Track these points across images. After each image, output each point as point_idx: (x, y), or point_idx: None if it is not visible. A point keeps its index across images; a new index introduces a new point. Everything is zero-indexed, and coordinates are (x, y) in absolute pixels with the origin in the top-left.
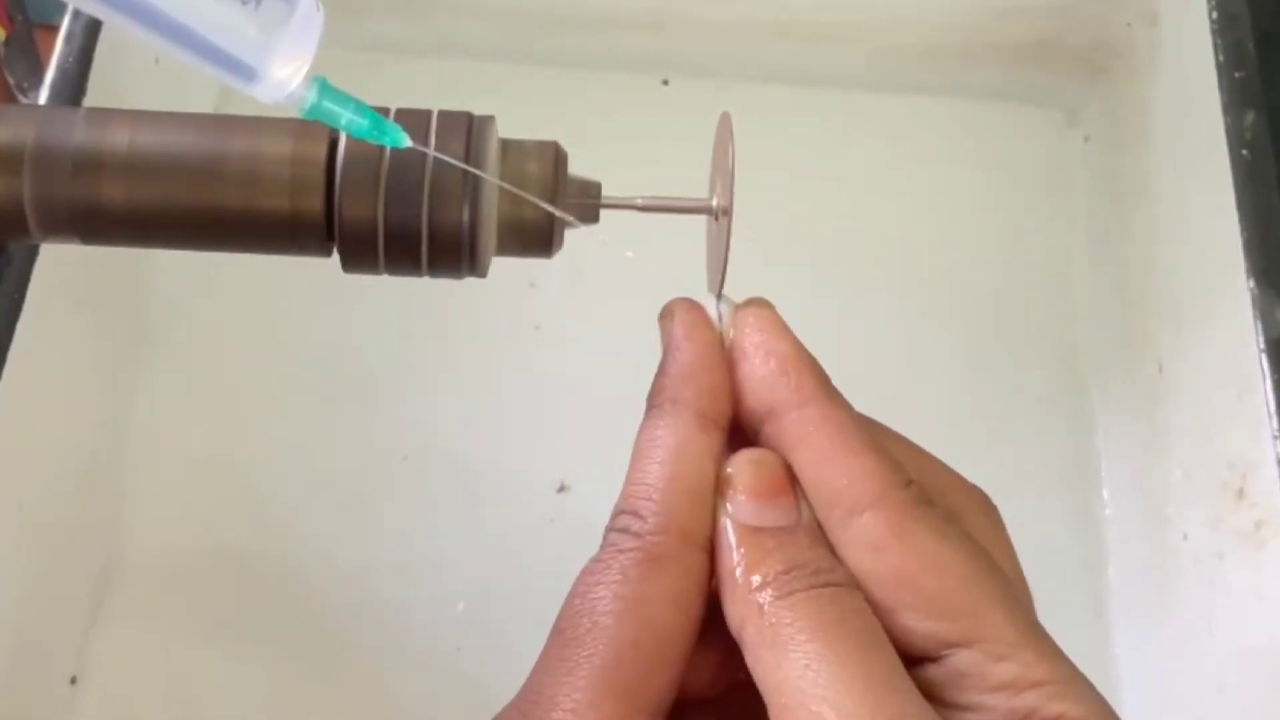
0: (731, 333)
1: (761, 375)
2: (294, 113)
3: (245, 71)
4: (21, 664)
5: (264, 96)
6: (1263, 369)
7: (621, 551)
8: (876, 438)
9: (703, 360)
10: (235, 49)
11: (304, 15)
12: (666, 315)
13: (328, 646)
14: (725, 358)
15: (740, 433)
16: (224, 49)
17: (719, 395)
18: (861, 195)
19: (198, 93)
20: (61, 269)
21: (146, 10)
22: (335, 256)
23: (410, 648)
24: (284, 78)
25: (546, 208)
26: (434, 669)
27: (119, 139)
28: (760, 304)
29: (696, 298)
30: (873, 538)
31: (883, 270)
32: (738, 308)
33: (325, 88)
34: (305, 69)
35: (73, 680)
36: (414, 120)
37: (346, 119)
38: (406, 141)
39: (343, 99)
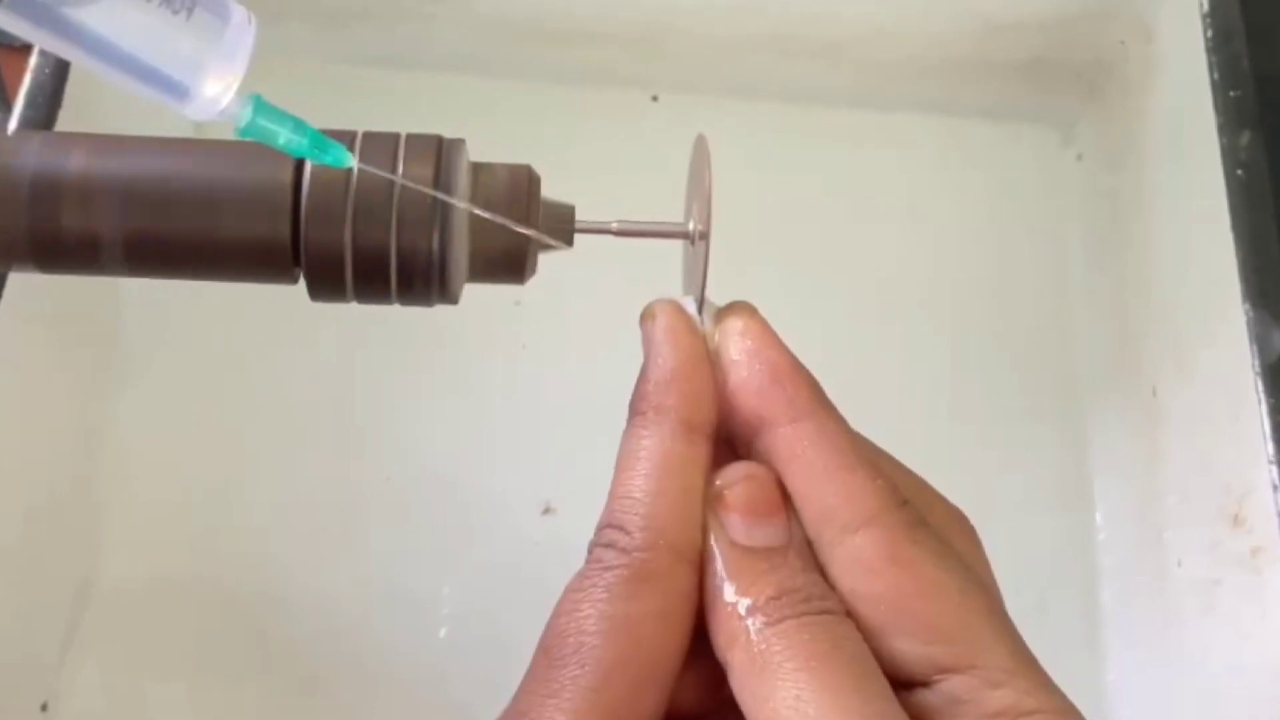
0: (716, 337)
1: (753, 387)
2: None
3: (176, 90)
4: None
5: (196, 115)
6: (1259, 393)
7: (607, 568)
8: (869, 455)
9: (687, 365)
10: (166, 66)
11: (237, 29)
12: (647, 317)
13: (307, 673)
14: (710, 362)
15: (724, 442)
16: (154, 66)
17: (704, 402)
18: (853, 214)
19: (177, 114)
20: (34, 290)
21: (70, 25)
22: (302, 284)
23: (392, 674)
24: (215, 95)
25: (519, 229)
26: (417, 696)
27: (77, 164)
28: (745, 308)
29: (676, 299)
30: (866, 558)
31: (874, 290)
32: (721, 311)
33: (260, 105)
34: (237, 85)
35: (44, 707)
36: (381, 144)
37: (285, 138)
38: (350, 160)
39: (280, 116)
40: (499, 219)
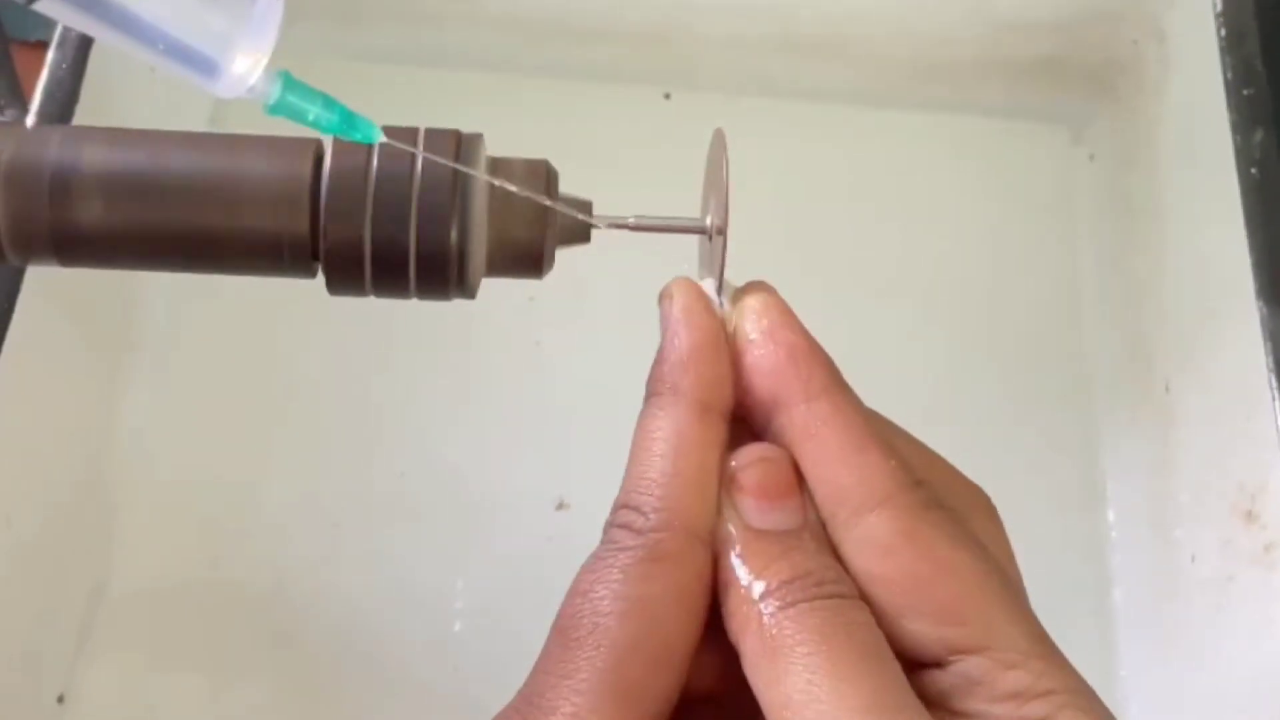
0: (734, 318)
1: (769, 366)
2: (278, 127)
3: (207, 66)
4: (8, 679)
5: (226, 92)
6: (1272, 389)
7: (623, 549)
8: (885, 434)
9: (703, 346)
10: (197, 42)
11: (265, 4)
12: (665, 297)
13: (321, 667)
14: (727, 342)
15: (741, 421)
16: (186, 43)
17: (721, 383)
18: (863, 211)
19: (192, 107)
20: (51, 284)
21: (102, 3)
22: (320, 278)
23: (407, 668)
24: (245, 71)
25: (543, 201)
26: (431, 690)
27: (96, 158)
28: (763, 288)
29: (694, 279)
30: (881, 539)
31: (885, 288)
32: (739, 290)
33: (290, 82)
34: (265, 61)
35: (60, 699)
36: (400, 139)
37: (314, 114)
38: (379, 136)
39: (309, 94)
40: (524, 191)
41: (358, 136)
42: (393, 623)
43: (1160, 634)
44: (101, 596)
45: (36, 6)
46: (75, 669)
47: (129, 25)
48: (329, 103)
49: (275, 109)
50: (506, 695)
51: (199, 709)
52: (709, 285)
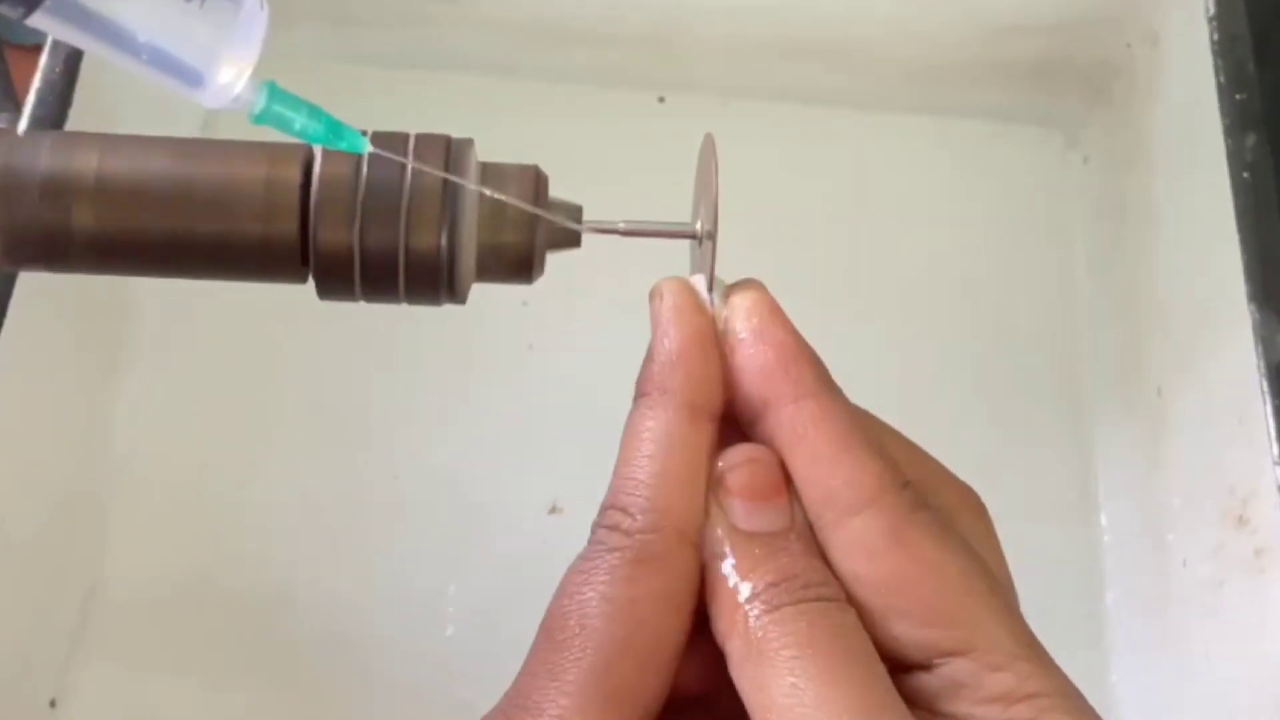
0: (724, 315)
1: (757, 366)
2: (272, 133)
3: (192, 77)
4: (0, 683)
5: (211, 103)
6: (1263, 393)
7: (610, 550)
8: (873, 434)
9: (692, 346)
10: (181, 53)
11: (249, 14)
12: (655, 295)
13: (314, 671)
14: (717, 342)
15: (729, 421)
16: (170, 54)
17: (710, 383)
18: (857, 215)
19: (185, 111)
20: (45, 286)
21: (87, 15)
22: (310, 284)
23: (399, 673)
24: (229, 81)
25: (531, 210)
26: (424, 695)
27: (87, 164)
28: (753, 286)
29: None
30: (867, 541)
31: (879, 291)
32: (730, 287)
33: (275, 91)
34: (249, 71)
35: (52, 703)
36: (390, 143)
37: (300, 124)
38: (366, 147)
39: (294, 103)
40: (512, 200)
41: (344, 147)
42: (386, 626)
43: (1152, 638)
44: (94, 600)
45: (28, 21)
46: (68, 673)
47: (115, 37)
48: (315, 112)
49: (260, 118)
50: (498, 698)
51: (192, 714)
52: (699, 281)
